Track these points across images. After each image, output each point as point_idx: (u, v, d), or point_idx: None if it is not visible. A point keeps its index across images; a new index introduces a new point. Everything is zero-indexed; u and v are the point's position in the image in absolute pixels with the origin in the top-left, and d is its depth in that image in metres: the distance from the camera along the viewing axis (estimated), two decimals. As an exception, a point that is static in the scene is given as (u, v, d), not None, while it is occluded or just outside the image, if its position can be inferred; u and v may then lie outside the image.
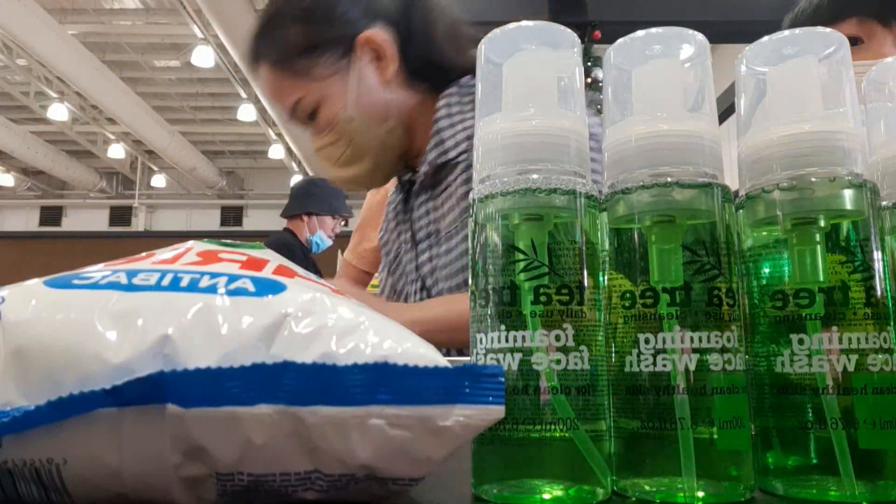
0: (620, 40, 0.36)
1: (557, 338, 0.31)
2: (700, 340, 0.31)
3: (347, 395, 0.27)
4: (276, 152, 8.36)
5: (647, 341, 0.31)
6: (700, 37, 0.35)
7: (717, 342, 0.31)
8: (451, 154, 0.86)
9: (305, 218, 2.72)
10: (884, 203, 0.38)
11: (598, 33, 3.76)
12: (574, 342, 0.31)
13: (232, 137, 8.93)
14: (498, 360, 0.32)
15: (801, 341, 0.32)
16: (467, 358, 0.34)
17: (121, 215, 10.02)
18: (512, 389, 0.31)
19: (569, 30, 0.36)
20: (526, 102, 0.34)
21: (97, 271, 0.32)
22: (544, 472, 0.31)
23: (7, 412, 0.26)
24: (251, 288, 0.31)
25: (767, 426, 0.33)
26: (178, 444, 0.26)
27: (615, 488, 0.32)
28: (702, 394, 0.31)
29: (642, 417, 0.31)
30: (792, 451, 0.32)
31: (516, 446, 0.31)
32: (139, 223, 9.92)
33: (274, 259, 0.36)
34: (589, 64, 3.40)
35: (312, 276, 0.36)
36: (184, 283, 0.31)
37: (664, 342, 0.31)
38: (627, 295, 0.32)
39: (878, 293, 0.32)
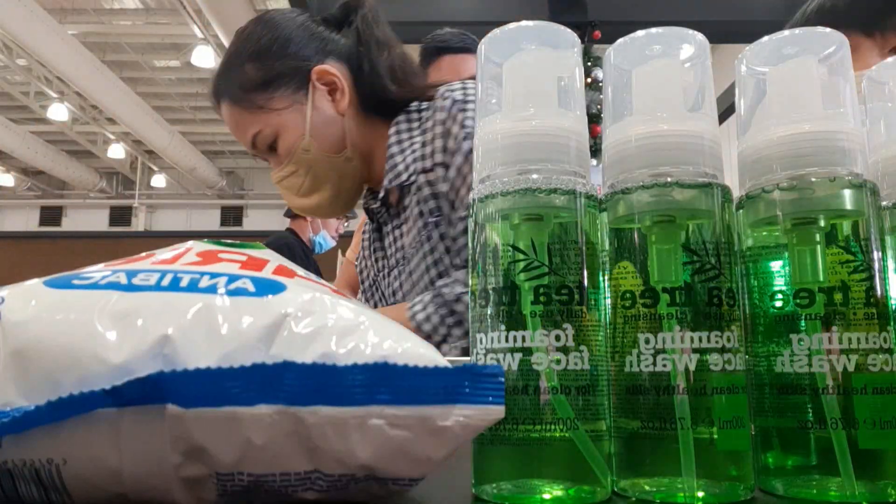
0: (620, 40, 0.36)
1: (557, 338, 0.31)
2: (700, 340, 0.31)
3: (347, 395, 0.27)
4: (276, 152, 8.33)
5: (647, 341, 0.31)
6: (700, 37, 0.35)
7: (717, 342, 0.31)
8: (404, 177, 0.90)
9: (309, 218, 2.71)
10: (884, 203, 0.38)
11: (598, 33, 3.77)
12: (574, 342, 0.31)
13: (232, 137, 8.89)
14: (498, 360, 0.32)
15: (801, 341, 0.32)
16: (467, 358, 0.34)
17: (121, 215, 10.02)
18: (512, 389, 0.31)
19: (569, 30, 0.36)
20: (526, 102, 0.34)
21: (97, 271, 0.32)
22: (544, 472, 0.31)
23: (7, 412, 0.26)
24: (251, 288, 0.31)
25: (767, 426, 0.33)
26: (178, 445, 0.26)
27: (615, 488, 0.32)
28: (702, 394, 0.31)
29: (642, 417, 0.31)
30: (792, 451, 0.32)
31: (516, 446, 0.31)
32: (139, 223, 9.92)
33: (274, 259, 0.36)
34: (589, 64, 3.41)
35: (312, 276, 0.36)
36: (184, 283, 0.31)
37: (664, 342, 0.31)
38: (627, 295, 0.32)
39: (878, 293, 0.32)
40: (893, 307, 0.33)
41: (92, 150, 8.41)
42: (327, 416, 0.26)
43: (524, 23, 0.36)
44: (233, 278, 0.31)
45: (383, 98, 0.93)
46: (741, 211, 0.35)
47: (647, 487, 0.31)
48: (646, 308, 0.32)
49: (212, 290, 0.30)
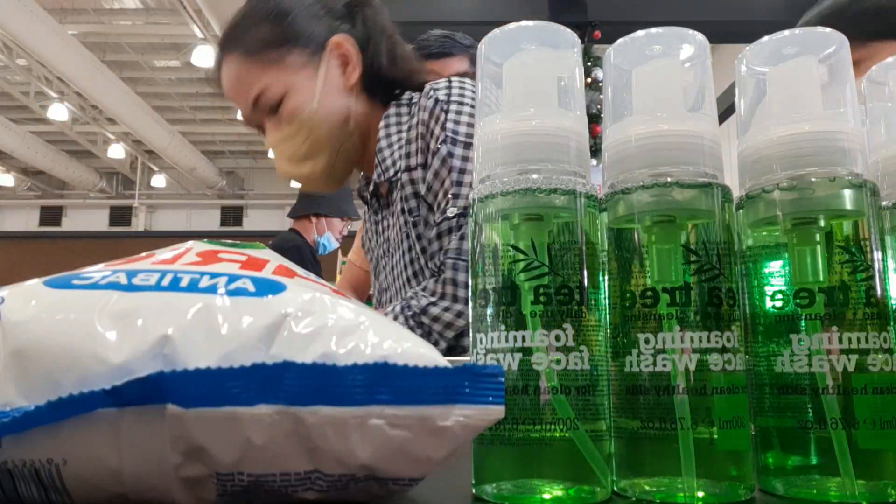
0: (620, 40, 0.36)
1: (557, 338, 0.31)
2: (700, 340, 0.31)
3: (347, 395, 0.27)
4: (276, 152, 8.33)
5: (647, 341, 0.31)
6: (700, 37, 0.35)
7: (717, 342, 0.31)
8: (391, 172, 0.90)
9: (314, 219, 2.68)
10: (884, 203, 0.38)
11: (598, 33, 3.77)
12: (574, 342, 0.31)
13: (232, 137, 8.93)
14: (498, 360, 0.32)
15: (801, 341, 0.32)
16: (467, 358, 0.34)
17: (121, 215, 10.01)
18: (512, 389, 0.31)
19: (569, 30, 0.36)
20: (526, 102, 0.34)
21: (97, 271, 0.32)
22: (544, 472, 0.31)
23: (7, 412, 0.26)
24: (251, 288, 0.31)
25: (767, 426, 0.33)
26: (178, 445, 0.26)
27: (615, 488, 0.32)
28: (702, 394, 0.31)
29: (642, 417, 0.31)
30: (792, 451, 0.32)
31: (516, 446, 0.31)
32: (139, 223, 9.92)
33: (274, 259, 0.36)
34: (589, 64, 3.41)
35: (312, 275, 0.36)
36: (184, 283, 0.31)
37: (664, 342, 0.31)
38: (627, 295, 0.32)
39: (878, 293, 0.32)
40: (893, 307, 0.33)
41: (92, 150, 8.41)
42: (327, 416, 0.26)
43: (524, 23, 0.36)
44: (233, 278, 0.31)
45: (383, 79, 0.94)
46: (741, 211, 0.35)
47: (647, 487, 0.31)
48: (646, 308, 0.32)
49: (212, 290, 0.30)
